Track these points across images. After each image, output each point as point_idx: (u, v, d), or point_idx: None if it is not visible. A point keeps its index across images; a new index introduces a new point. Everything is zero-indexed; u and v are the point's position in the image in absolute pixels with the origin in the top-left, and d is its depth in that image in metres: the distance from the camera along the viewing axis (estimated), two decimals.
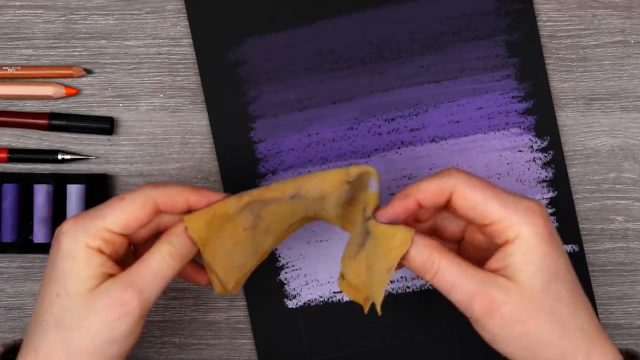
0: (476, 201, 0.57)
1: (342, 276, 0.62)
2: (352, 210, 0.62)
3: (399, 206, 0.58)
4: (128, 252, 0.62)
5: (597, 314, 0.73)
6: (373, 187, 0.60)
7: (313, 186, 0.62)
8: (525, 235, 0.56)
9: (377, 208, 0.60)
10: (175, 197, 0.60)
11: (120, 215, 0.59)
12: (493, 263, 0.57)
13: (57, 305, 0.58)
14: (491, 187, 0.57)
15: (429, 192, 0.58)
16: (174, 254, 0.59)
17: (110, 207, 0.59)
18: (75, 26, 0.74)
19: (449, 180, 0.58)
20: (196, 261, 0.64)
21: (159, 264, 0.59)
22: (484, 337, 0.58)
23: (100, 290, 0.58)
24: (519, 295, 0.56)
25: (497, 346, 0.58)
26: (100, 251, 0.59)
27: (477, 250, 0.61)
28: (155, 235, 0.62)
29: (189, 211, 0.61)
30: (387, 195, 0.73)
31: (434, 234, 0.63)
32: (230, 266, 0.62)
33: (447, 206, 0.59)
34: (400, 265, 0.59)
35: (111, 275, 0.59)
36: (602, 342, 0.58)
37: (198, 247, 0.61)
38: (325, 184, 0.62)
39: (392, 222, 0.59)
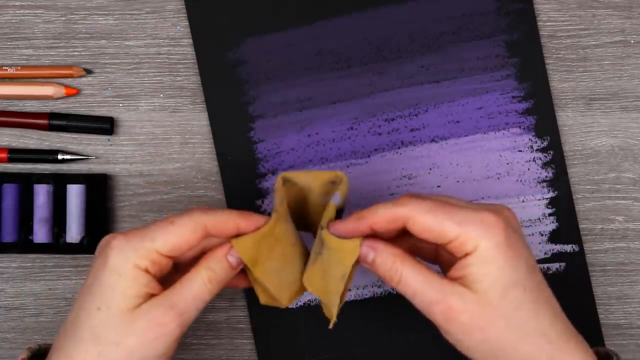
0: (430, 224, 0.58)
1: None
2: (318, 216, 0.63)
3: (352, 225, 0.60)
4: (170, 271, 0.63)
5: (597, 314, 0.73)
6: (335, 200, 0.62)
7: (304, 179, 0.63)
8: (482, 247, 0.57)
9: (332, 220, 0.61)
10: (226, 223, 0.60)
11: (170, 239, 0.59)
12: (453, 272, 0.58)
13: (97, 319, 0.59)
14: (444, 207, 0.58)
15: (382, 219, 0.59)
16: (213, 278, 0.60)
17: (160, 230, 0.60)
18: (75, 26, 0.74)
19: (401, 209, 0.59)
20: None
21: (199, 288, 0.60)
22: (450, 341, 0.59)
23: (142, 310, 0.59)
24: (477, 303, 0.57)
25: (463, 351, 0.59)
26: (147, 271, 0.59)
27: (448, 267, 0.62)
28: (199, 255, 0.62)
29: (237, 235, 0.61)
30: (387, 195, 0.73)
31: (415, 254, 0.64)
32: (281, 283, 0.63)
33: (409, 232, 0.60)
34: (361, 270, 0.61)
35: (153, 295, 0.59)
36: (568, 343, 0.58)
37: (235, 272, 0.61)
38: (314, 180, 0.63)
39: (343, 237, 0.60)
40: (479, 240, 0.57)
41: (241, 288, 0.67)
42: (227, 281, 0.61)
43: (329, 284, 0.61)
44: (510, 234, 0.58)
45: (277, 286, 0.63)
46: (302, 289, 0.64)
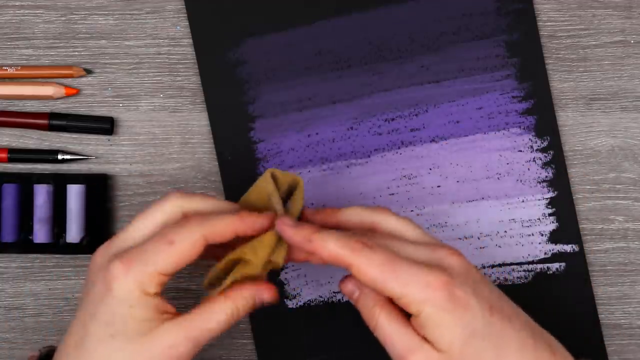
0: (375, 280, 0.58)
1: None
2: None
3: (299, 239, 0.60)
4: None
5: (597, 314, 0.73)
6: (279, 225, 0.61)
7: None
8: (428, 312, 0.57)
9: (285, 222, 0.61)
10: (224, 231, 0.60)
11: (172, 260, 0.59)
12: (416, 328, 0.59)
13: (112, 346, 0.58)
14: (393, 264, 0.58)
15: (328, 256, 0.59)
16: (236, 315, 0.60)
17: (161, 254, 0.59)
18: (75, 26, 0.74)
19: (350, 257, 0.58)
20: None
21: (219, 322, 0.60)
22: None
23: (158, 334, 0.58)
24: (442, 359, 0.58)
25: None
26: (155, 294, 0.59)
27: None
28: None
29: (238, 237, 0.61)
30: (387, 195, 0.73)
31: None
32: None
33: None
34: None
35: (165, 312, 0.59)
36: None
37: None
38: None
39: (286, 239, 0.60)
40: (422, 306, 0.57)
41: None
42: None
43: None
44: (453, 291, 0.58)
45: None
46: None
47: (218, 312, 0.59)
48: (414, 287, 0.58)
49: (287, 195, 0.64)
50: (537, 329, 0.60)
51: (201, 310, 0.59)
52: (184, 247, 0.59)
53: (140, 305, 0.58)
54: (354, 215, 0.63)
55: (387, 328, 0.59)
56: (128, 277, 0.58)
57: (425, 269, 0.58)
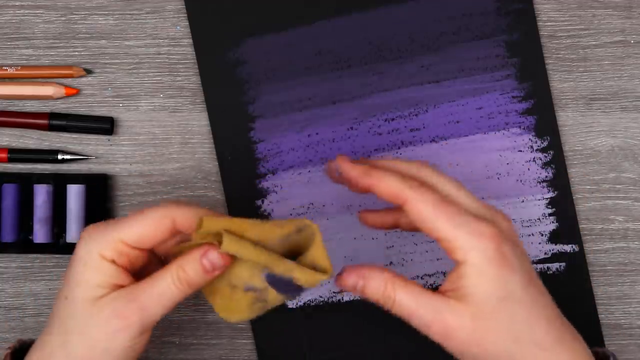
0: (426, 218, 0.58)
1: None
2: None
3: (356, 173, 0.60)
4: (152, 265, 0.62)
5: (597, 314, 0.73)
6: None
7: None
8: (473, 260, 0.57)
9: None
10: (193, 219, 0.59)
11: (136, 229, 0.59)
12: (447, 284, 0.58)
13: (64, 309, 0.59)
14: (446, 206, 0.58)
15: (385, 190, 0.59)
16: (183, 279, 0.59)
17: (128, 220, 0.59)
18: (75, 26, 0.74)
19: (407, 192, 0.58)
20: None
21: (167, 286, 0.59)
22: (452, 354, 0.59)
23: (105, 301, 0.58)
24: (472, 318, 0.57)
25: None
26: (114, 262, 0.59)
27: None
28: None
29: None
30: None
31: (396, 226, 0.65)
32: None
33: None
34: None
35: (121, 286, 0.59)
36: (564, 348, 0.59)
37: (210, 278, 0.59)
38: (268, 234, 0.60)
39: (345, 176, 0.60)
40: (469, 253, 0.57)
41: None
42: (200, 285, 0.59)
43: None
44: (502, 247, 0.57)
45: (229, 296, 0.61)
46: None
47: (164, 276, 0.59)
48: (465, 231, 0.57)
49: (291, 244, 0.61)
50: (562, 315, 0.60)
51: (150, 277, 0.59)
52: (150, 220, 0.59)
53: (93, 268, 0.58)
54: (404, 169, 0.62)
55: (407, 302, 0.58)
56: (90, 239, 0.59)
57: (479, 218, 0.58)
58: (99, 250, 0.59)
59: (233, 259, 0.60)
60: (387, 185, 0.59)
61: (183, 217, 0.59)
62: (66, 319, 0.59)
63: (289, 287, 0.59)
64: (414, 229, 0.63)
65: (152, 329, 0.60)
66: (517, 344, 0.57)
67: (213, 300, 0.62)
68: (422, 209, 0.58)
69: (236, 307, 0.61)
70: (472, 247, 0.57)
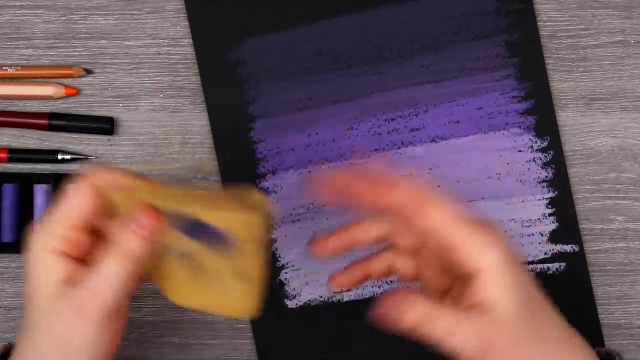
0: (447, 221, 0.57)
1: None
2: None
3: (364, 184, 0.58)
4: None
5: (597, 314, 0.73)
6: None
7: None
8: (494, 265, 0.56)
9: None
10: (108, 178, 0.58)
11: (66, 212, 0.58)
12: (471, 298, 0.57)
13: (29, 308, 0.58)
14: (459, 213, 0.57)
15: (404, 194, 0.58)
16: (122, 253, 0.57)
17: (58, 207, 0.58)
18: (75, 26, 0.74)
19: (426, 194, 0.58)
20: None
21: (110, 266, 0.57)
22: None
23: (61, 297, 0.57)
24: (505, 327, 0.56)
25: None
26: (63, 253, 0.58)
27: (427, 286, 0.62)
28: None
29: None
30: None
31: (390, 274, 0.64)
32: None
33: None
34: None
35: (72, 278, 0.58)
36: (579, 345, 0.59)
37: (150, 243, 0.58)
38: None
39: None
40: (489, 256, 0.56)
41: None
42: (142, 255, 0.58)
43: (222, 286, 0.59)
44: (511, 250, 0.57)
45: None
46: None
47: (104, 259, 0.57)
48: (483, 237, 0.56)
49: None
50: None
51: (96, 262, 0.57)
52: (76, 199, 0.57)
53: (44, 266, 0.57)
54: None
55: (442, 323, 0.56)
56: (35, 239, 0.58)
57: (485, 225, 0.57)
58: (45, 247, 0.57)
59: (163, 220, 0.58)
60: (403, 189, 0.58)
61: (101, 177, 0.58)
62: (30, 318, 0.58)
63: (207, 232, 0.58)
64: (385, 275, 0.63)
65: (121, 316, 0.58)
66: (544, 343, 0.57)
67: (162, 285, 0.60)
68: (438, 217, 0.57)
69: (180, 283, 0.60)
70: (490, 252, 0.56)
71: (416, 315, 0.57)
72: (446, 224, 0.57)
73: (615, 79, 0.74)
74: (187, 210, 0.57)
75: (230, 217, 0.58)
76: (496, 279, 0.56)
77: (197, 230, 0.58)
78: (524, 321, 0.57)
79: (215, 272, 0.59)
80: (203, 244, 0.59)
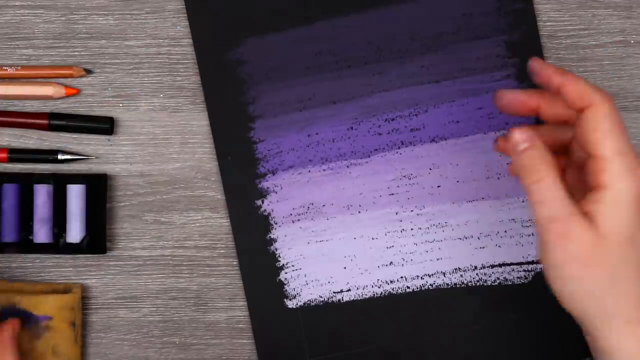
0: (602, 127, 0.56)
1: None
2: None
3: (551, 70, 0.59)
4: None
5: None
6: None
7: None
8: (618, 190, 0.56)
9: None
10: None
11: None
12: (584, 204, 0.57)
13: None
14: (621, 126, 0.57)
15: (577, 89, 0.58)
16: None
17: None
18: (75, 26, 0.74)
19: (597, 94, 0.57)
20: None
21: None
22: (543, 266, 0.58)
23: None
24: (592, 241, 0.56)
25: (550, 281, 0.57)
26: None
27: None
28: None
29: None
30: (387, 195, 0.73)
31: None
32: None
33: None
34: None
35: None
36: None
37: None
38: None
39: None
40: (618, 179, 0.56)
41: None
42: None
43: None
44: None
45: None
46: None
47: None
48: (626, 161, 0.56)
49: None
50: None
51: None
52: None
53: None
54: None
55: (548, 188, 0.56)
56: None
57: (637, 156, 0.57)
58: None
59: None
60: (578, 84, 0.58)
61: None
62: None
63: (23, 317, 0.69)
64: (554, 118, 0.62)
65: None
66: (615, 287, 0.56)
67: None
68: (602, 119, 0.57)
69: None
70: (623, 178, 0.56)
71: (533, 157, 0.57)
72: (600, 131, 0.56)
73: (616, 79, 0.74)
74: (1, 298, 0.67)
75: (42, 301, 0.68)
76: (614, 201, 0.56)
77: (12, 316, 0.68)
78: (608, 255, 0.56)
79: (37, 353, 0.70)
80: (21, 329, 0.69)
